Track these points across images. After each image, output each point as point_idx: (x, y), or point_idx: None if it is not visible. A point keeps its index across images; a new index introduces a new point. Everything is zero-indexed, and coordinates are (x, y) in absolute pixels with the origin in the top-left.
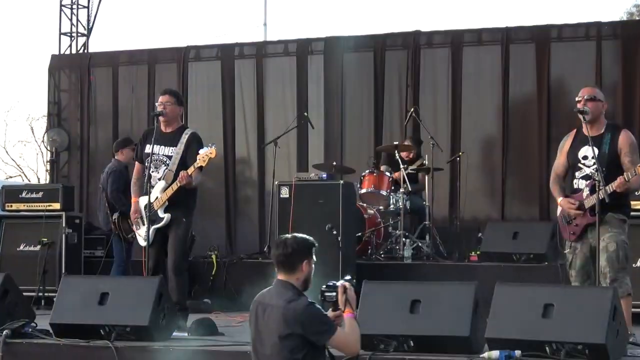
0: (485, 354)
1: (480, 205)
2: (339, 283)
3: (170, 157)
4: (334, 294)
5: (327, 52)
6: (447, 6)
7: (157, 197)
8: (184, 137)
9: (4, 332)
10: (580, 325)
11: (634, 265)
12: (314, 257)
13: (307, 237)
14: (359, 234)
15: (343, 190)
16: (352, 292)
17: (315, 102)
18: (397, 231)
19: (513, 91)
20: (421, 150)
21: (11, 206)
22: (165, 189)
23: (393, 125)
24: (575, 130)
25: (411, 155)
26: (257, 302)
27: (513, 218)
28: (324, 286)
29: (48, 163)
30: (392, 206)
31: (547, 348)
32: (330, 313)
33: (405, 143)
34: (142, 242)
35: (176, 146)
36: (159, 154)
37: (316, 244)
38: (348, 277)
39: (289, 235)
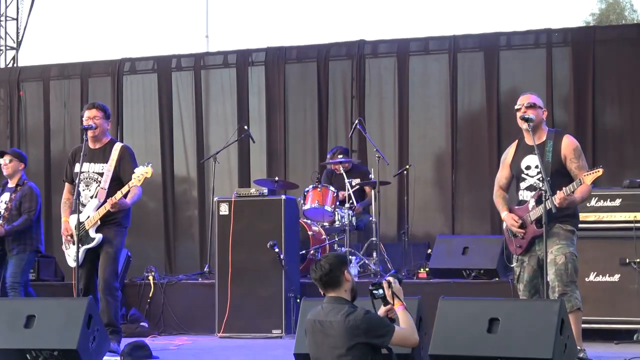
0: None
1: (430, 221)
2: (384, 279)
3: (101, 174)
4: (381, 290)
5: (269, 63)
6: (392, 15)
7: (88, 216)
8: (115, 152)
9: None
10: (527, 340)
11: (586, 279)
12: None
13: (336, 252)
14: (303, 251)
15: (286, 206)
16: (397, 284)
17: (257, 115)
18: (343, 248)
19: (461, 101)
20: (351, 154)
21: None
22: (97, 208)
23: (338, 138)
24: (517, 141)
25: (347, 166)
26: (313, 320)
27: (465, 234)
28: (371, 285)
29: None
30: (337, 222)
31: None
32: (382, 309)
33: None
34: (72, 263)
35: (107, 162)
36: (88, 171)
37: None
38: (393, 272)
39: (319, 258)
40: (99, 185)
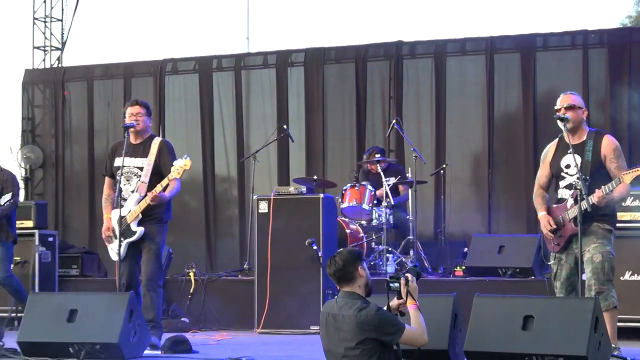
0: None
1: (466, 219)
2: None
3: (141, 169)
4: (397, 284)
5: (308, 63)
6: (429, 16)
7: (130, 210)
8: (154, 147)
9: None
10: (561, 337)
11: (621, 278)
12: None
13: (351, 248)
14: (350, 249)
15: (324, 205)
16: (414, 283)
17: (296, 115)
18: (380, 246)
19: (498, 102)
20: (388, 154)
21: None
22: (139, 201)
23: (376, 137)
24: (557, 140)
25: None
26: (327, 313)
27: (501, 233)
28: (389, 277)
29: (23, 181)
30: (375, 221)
31: None
32: (394, 301)
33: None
34: (115, 257)
35: (146, 157)
36: (129, 165)
37: (362, 252)
38: (412, 265)
39: (334, 254)
40: (139, 180)
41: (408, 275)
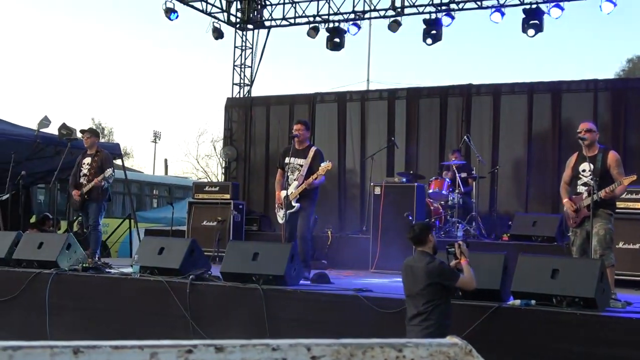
0: (511, 302)
1: (511, 203)
2: (456, 241)
3: (301, 166)
4: (453, 249)
5: (408, 97)
6: (491, 67)
7: (292, 192)
8: (311, 152)
9: (190, 277)
10: (578, 285)
11: (617, 246)
12: (434, 231)
13: (424, 221)
14: (427, 219)
15: (417, 190)
16: (464, 246)
17: (400, 131)
18: (453, 218)
19: (535, 125)
20: (454, 154)
21: (198, 196)
22: (297, 187)
23: (452, 147)
24: (577, 152)
25: (457, 157)
26: (406, 265)
27: (533, 212)
28: (447, 245)
29: (224, 169)
30: (450, 202)
31: (553, 299)
32: (452, 263)
33: (453, 156)
34: (280, 221)
35: (305, 158)
36: (294, 163)
37: (431, 224)
38: (462, 238)
39: (414, 225)
40: (299, 173)
41: (460, 242)
